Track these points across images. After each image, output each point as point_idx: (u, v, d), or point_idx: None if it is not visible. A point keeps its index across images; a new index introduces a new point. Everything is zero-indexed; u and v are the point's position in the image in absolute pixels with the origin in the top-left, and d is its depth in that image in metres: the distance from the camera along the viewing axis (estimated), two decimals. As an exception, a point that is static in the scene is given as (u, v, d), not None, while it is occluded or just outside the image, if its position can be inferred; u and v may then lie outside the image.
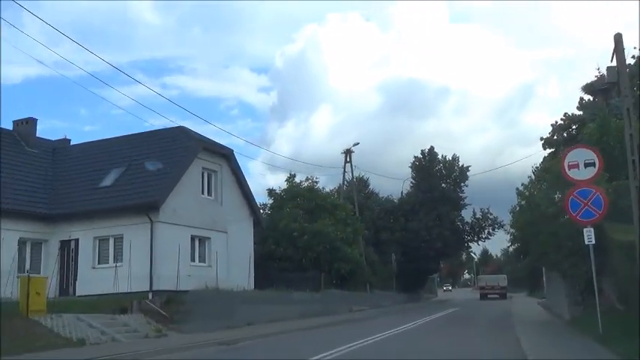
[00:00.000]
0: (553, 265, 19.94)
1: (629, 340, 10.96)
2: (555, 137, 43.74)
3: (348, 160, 45.72)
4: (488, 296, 58.00)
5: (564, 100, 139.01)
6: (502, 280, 62.68)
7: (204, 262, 26.21)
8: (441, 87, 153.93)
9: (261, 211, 36.16)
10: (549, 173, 20.17)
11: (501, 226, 57.74)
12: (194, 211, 25.60)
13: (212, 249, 26.36)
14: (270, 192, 37.57)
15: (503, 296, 58.11)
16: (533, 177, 25.65)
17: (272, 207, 37.00)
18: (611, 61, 13.09)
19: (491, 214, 58.29)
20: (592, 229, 13.26)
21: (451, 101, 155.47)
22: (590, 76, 39.22)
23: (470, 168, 57.93)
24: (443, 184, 57.97)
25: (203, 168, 26.94)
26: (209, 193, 27.36)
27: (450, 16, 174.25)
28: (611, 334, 12.64)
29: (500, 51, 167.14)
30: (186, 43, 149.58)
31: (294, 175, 37.87)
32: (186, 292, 22.31)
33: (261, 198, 41.20)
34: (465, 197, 58.45)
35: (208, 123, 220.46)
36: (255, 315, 23.95)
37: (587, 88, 32.71)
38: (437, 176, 57.66)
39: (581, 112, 42.17)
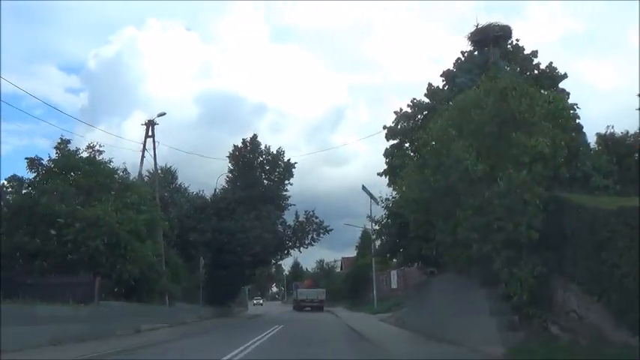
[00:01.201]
0: (470, 262, 12.29)
1: None
2: (400, 126, 38.00)
3: (150, 134, 35.47)
4: (305, 309, 59.05)
5: (372, 124, 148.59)
6: (321, 293, 63.08)
7: None
8: (259, 103, 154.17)
9: (13, 189, 25.12)
10: (481, 108, 12.38)
11: (327, 231, 51.22)
12: None
13: None
14: (32, 162, 26.19)
15: (320, 309, 58.90)
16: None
17: (32, 184, 25.81)
18: None
19: (316, 217, 51.27)
20: None
21: (267, 118, 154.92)
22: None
23: (296, 164, 50.58)
24: (265, 180, 49.95)
25: None
26: None
27: (270, 34, 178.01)
28: None
29: (315, 73, 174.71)
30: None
31: (68, 141, 26.92)
32: None
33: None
34: (289, 197, 51.00)
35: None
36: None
37: (478, 34, 26.33)
38: (259, 170, 49.48)
39: (428, 100, 36.98)
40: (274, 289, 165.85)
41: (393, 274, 47.65)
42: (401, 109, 38.11)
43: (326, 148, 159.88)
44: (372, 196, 44.98)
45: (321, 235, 51.25)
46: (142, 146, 35.11)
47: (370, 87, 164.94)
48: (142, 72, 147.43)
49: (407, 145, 37.66)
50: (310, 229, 51.08)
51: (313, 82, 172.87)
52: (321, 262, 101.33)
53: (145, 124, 35.40)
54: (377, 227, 23.09)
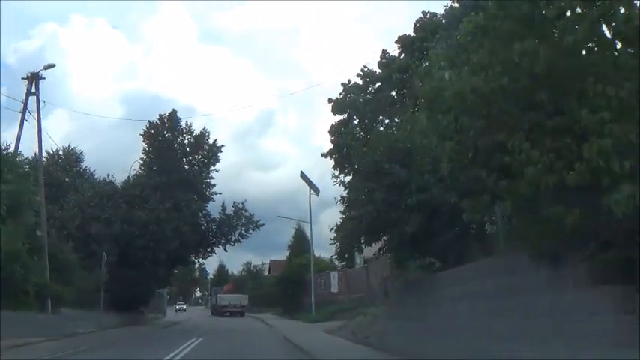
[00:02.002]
0: (587, 227, 5.82)
1: None
2: (348, 99, 32.03)
3: (33, 90, 27.50)
4: (225, 314, 59.04)
5: (301, 129, 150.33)
6: (243, 299, 63.30)
7: None
8: (187, 106, 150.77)
9: None
10: None
11: (257, 226, 44.42)
12: None
13: None
14: None
15: (242, 314, 59.36)
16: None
17: None
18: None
19: (245, 210, 44.35)
20: None
21: (197, 122, 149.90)
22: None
23: (223, 148, 43.58)
24: (186, 165, 42.68)
25: None
26: None
27: (198, 35, 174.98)
28: None
29: (245, 76, 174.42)
30: None
31: None
32: None
33: None
34: (214, 185, 43.89)
35: None
36: None
37: None
38: (178, 152, 42.16)
39: (380, 70, 31.37)
40: (198, 293, 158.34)
41: (333, 275, 41.37)
42: (349, 81, 32.32)
43: (255, 152, 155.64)
44: (311, 184, 38.78)
45: (251, 231, 44.38)
46: (22, 105, 26.94)
47: (300, 92, 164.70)
48: (64, 69, 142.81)
49: (356, 121, 31.92)
50: (238, 223, 44.14)
51: (242, 86, 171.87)
52: (247, 264, 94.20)
53: (27, 77, 27.47)
54: (346, 193, 16.51)
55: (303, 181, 38.72)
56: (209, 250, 45.60)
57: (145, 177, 41.41)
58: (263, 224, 44.88)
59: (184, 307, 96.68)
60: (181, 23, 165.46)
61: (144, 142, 41.51)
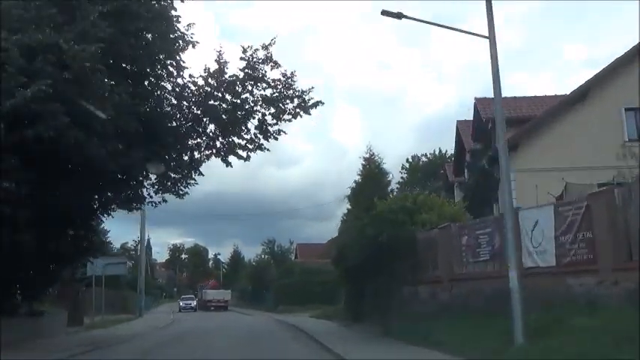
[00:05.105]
0: None
1: None
2: None
3: None
4: (210, 308, 59.35)
5: (321, 126, 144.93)
6: (227, 295, 64.40)
7: None
8: None
9: None
10: None
11: (306, 105, 18.37)
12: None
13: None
14: None
15: (225, 308, 60.08)
16: None
17: None
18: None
19: (277, 63, 18.19)
20: None
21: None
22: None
23: None
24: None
25: None
26: None
27: (220, 31, 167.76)
28: None
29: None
30: None
31: None
32: None
33: None
34: None
35: None
36: None
37: None
38: None
39: None
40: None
41: (544, 214, 13.38)
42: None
43: (273, 150, 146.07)
44: None
45: (288, 115, 18.36)
46: None
47: (317, 90, 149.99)
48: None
49: None
50: (277, 90, 18.16)
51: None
52: (270, 242, 68.61)
53: None
54: None
55: None
56: (193, 160, 19.04)
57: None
58: (320, 102, 18.57)
59: (193, 304, 62.85)
60: (199, 21, 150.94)
61: None
